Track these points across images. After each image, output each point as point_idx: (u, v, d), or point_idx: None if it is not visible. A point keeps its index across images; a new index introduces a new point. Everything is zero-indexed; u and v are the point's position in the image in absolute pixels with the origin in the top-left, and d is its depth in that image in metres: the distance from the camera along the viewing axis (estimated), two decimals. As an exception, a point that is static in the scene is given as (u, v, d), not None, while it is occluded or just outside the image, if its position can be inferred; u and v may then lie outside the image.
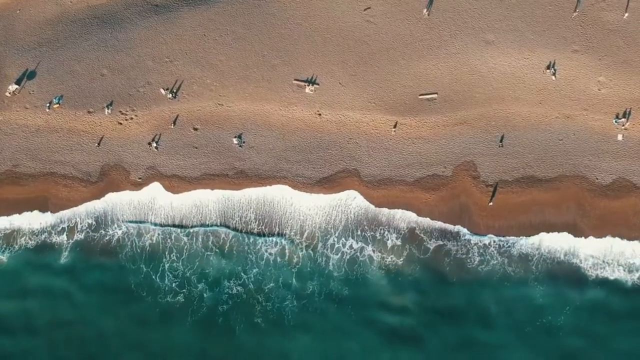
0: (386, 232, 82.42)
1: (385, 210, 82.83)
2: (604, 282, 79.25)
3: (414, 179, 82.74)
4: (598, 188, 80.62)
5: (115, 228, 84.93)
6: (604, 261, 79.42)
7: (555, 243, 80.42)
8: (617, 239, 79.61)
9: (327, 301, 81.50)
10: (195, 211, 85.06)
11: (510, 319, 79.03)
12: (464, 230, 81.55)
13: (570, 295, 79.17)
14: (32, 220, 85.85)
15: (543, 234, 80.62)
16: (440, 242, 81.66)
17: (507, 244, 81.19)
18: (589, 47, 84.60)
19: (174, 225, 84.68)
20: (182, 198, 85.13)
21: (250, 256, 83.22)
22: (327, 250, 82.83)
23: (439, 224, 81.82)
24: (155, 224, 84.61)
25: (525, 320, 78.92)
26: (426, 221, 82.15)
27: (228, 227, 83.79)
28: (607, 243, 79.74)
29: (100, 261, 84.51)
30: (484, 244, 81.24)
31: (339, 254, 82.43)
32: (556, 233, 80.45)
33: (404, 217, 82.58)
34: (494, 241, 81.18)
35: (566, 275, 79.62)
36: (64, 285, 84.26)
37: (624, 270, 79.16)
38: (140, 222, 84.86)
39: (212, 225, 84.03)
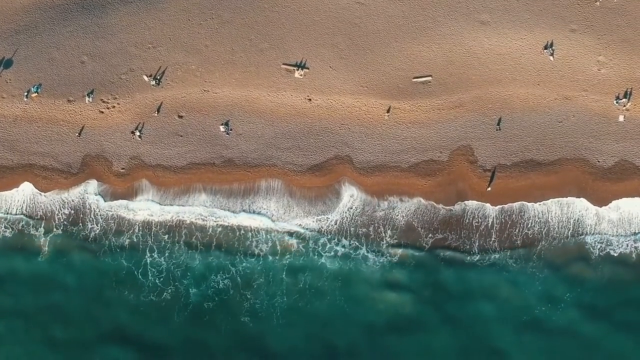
0: (381, 228, 79.44)
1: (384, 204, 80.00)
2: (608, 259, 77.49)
3: (408, 165, 79.86)
4: (600, 171, 78.09)
5: (93, 221, 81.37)
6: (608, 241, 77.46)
7: (560, 220, 78.32)
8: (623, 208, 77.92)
9: (318, 298, 78.51)
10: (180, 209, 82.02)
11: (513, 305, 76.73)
12: (468, 203, 78.76)
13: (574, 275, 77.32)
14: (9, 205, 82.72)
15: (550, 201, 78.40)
16: (440, 236, 78.81)
17: (512, 213, 78.34)
18: (588, 26, 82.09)
19: (157, 202, 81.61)
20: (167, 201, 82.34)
21: (239, 252, 79.99)
22: (319, 247, 79.63)
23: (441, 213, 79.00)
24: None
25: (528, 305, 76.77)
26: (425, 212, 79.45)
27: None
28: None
29: (79, 257, 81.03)
30: (487, 226, 78.46)
31: (332, 252, 79.23)
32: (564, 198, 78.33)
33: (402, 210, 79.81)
34: (497, 214, 78.45)
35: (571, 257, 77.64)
36: (43, 282, 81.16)
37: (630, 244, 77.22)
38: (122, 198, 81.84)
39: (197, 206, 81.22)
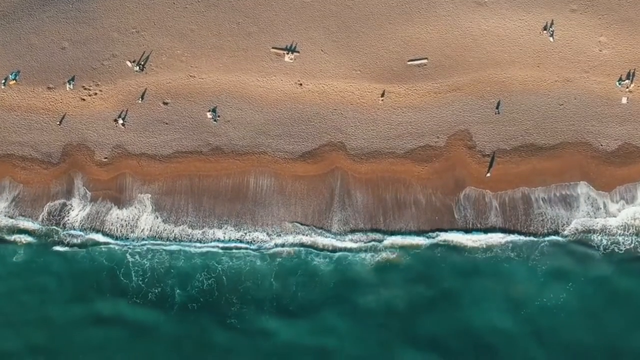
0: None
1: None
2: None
3: (404, 151, 77.06)
4: (603, 155, 75.79)
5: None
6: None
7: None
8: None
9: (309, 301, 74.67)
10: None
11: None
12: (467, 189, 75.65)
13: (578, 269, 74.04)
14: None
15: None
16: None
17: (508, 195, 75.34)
18: (588, 5, 79.86)
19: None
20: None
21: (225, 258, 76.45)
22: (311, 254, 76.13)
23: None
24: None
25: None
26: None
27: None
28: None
29: (57, 257, 76.75)
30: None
31: (327, 258, 75.79)
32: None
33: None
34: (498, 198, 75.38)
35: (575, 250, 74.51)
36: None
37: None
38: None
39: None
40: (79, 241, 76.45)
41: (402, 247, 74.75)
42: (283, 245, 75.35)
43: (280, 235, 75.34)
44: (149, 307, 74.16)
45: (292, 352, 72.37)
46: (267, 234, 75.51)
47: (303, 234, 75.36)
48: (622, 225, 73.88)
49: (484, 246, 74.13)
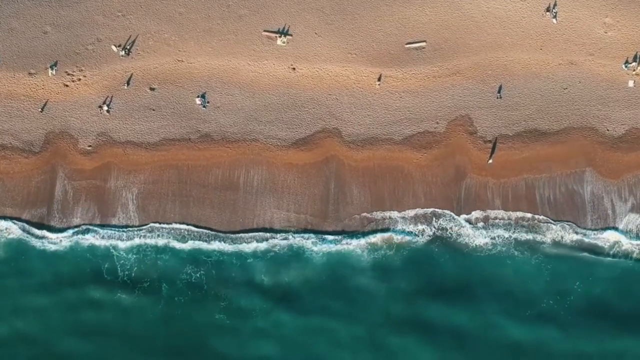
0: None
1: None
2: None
3: (402, 137, 75.21)
4: (609, 140, 74.34)
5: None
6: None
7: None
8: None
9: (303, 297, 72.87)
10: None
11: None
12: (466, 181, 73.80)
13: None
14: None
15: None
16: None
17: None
18: (593, -15, 78.12)
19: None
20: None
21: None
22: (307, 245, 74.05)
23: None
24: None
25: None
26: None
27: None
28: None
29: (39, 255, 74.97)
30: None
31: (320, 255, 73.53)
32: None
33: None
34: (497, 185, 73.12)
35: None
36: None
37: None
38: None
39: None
40: (60, 247, 74.54)
41: (400, 240, 72.56)
42: (275, 238, 73.23)
43: (272, 227, 73.15)
44: (135, 302, 72.43)
45: (284, 344, 70.91)
46: (259, 227, 73.28)
47: (296, 225, 73.14)
48: (630, 241, 72.31)
49: (489, 243, 72.60)
